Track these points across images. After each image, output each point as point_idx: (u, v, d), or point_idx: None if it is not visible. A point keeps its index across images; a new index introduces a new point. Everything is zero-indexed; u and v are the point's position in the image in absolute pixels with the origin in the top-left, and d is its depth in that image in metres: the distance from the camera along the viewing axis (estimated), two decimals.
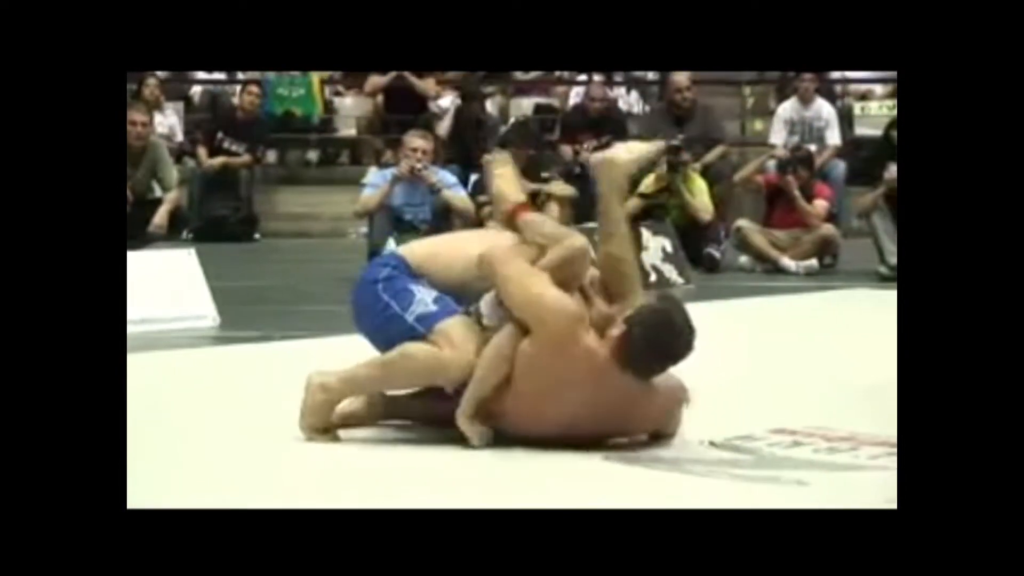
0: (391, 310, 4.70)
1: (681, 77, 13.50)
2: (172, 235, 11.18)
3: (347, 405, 4.83)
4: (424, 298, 4.69)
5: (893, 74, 15.07)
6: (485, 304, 4.65)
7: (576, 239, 4.70)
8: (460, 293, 4.75)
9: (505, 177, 5.04)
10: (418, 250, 4.95)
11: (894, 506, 3.96)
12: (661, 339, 4.47)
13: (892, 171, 11.12)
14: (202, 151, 14.33)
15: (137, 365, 6.56)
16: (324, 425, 4.74)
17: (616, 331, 4.47)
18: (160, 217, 10.84)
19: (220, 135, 14.37)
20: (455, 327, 4.63)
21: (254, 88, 14.84)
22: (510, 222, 4.86)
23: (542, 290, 4.53)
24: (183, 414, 5.26)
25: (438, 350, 4.59)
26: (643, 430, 4.68)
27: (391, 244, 9.10)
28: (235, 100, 15.13)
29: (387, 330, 4.72)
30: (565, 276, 4.60)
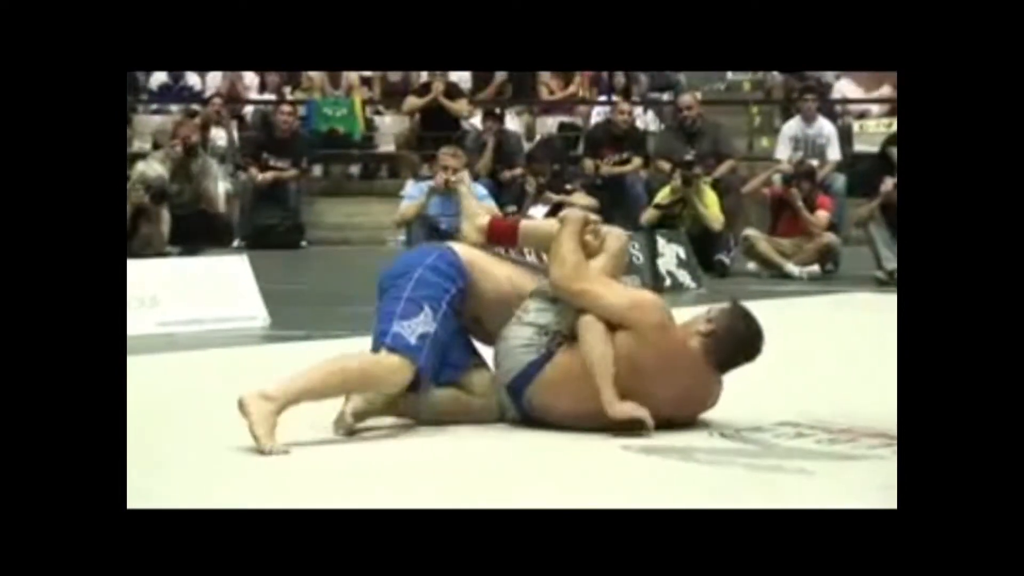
0: (397, 306, 4.58)
1: (687, 97, 13.79)
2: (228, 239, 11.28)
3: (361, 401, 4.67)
4: (418, 326, 4.52)
5: (889, 95, 15.09)
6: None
7: (618, 233, 4.82)
8: (488, 319, 4.70)
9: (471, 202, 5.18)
10: (478, 260, 4.77)
11: (889, 492, 3.97)
12: (747, 338, 4.66)
13: (888, 184, 11.12)
14: (253, 169, 14.38)
15: (192, 361, 6.61)
16: (272, 431, 4.37)
17: (704, 327, 4.60)
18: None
19: (265, 155, 14.43)
20: (404, 364, 4.49)
21: (286, 108, 14.91)
22: (506, 236, 4.87)
23: (623, 290, 4.67)
24: (230, 410, 5.26)
25: (379, 358, 4.49)
26: (699, 415, 4.77)
27: None
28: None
29: (381, 315, 4.63)
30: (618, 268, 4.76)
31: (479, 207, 5.09)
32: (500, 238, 4.86)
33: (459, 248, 4.82)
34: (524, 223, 4.92)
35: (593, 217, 4.84)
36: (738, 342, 4.64)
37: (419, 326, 4.54)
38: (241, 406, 4.40)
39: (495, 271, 4.78)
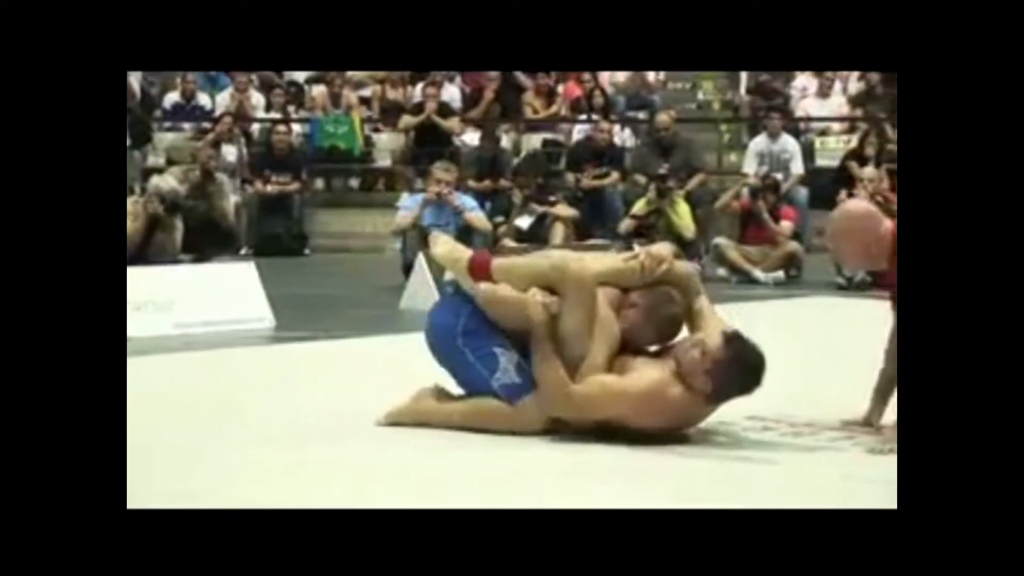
0: (476, 369, 4.54)
1: (662, 116, 13.82)
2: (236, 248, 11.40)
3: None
4: (508, 365, 4.52)
5: (848, 112, 15.17)
6: None
7: (554, 256, 4.60)
8: (523, 335, 4.53)
9: (445, 248, 4.76)
10: (491, 301, 4.58)
11: (850, 482, 3.98)
12: (747, 382, 4.39)
13: (842, 196, 11.22)
14: (258, 183, 14.42)
15: (204, 360, 6.61)
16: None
17: (702, 383, 4.33)
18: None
19: (267, 171, 14.46)
20: (534, 403, 4.49)
21: (281, 128, 14.94)
22: (478, 272, 4.59)
23: (620, 389, 4.38)
24: (239, 406, 5.26)
25: (513, 415, 4.48)
26: None
27: (421, 259, 9.07)
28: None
29: (470, 382, 4.59)
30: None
31: (454, 250, 4.79)
32: (479, 274, 4.64)
33: (476, 291, 4.61)
34: (496, 263, 4.65)
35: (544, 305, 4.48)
36: (739, 389, 4.40)
37: (508, 363, 4.52)
38: (413, 399, 4.73)
39: (498, 304, 4.58)
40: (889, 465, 3.99)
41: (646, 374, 4.40)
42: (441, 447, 4.44)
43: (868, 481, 3.96)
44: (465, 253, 4.73)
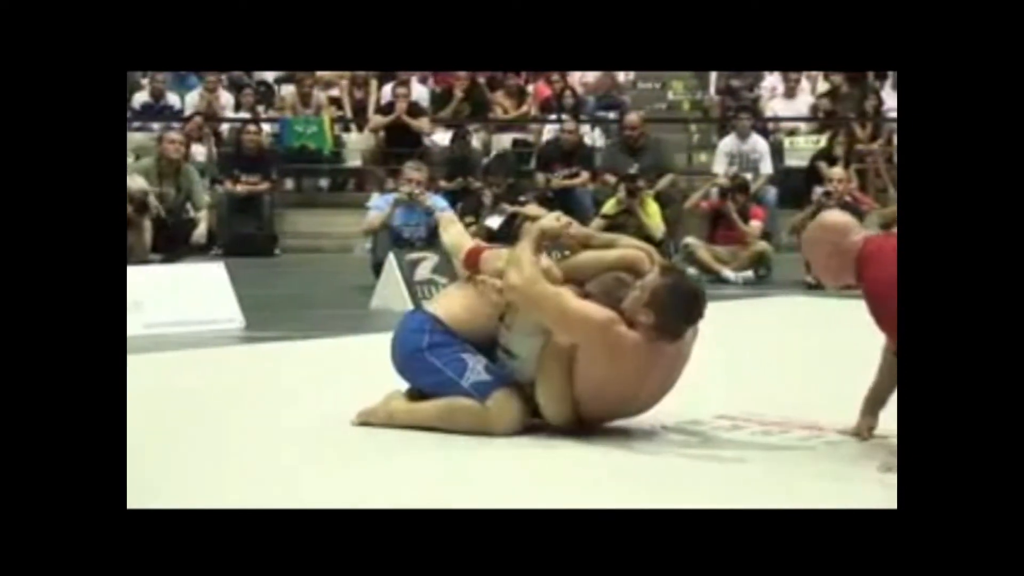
0: (446, 375, 4.60)
1: (633, 117, 13.85)
2: (206, 248, 11.36)
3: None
4: (476, 366, 4.59)
5: (816, 112, 15.22)
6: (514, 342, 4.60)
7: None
8: (487, 343, 4.66)
9: (449, 238, 5.09)
10: (451, 310, 4.76)
11: (820, 480, 4.00)
12: (689, 306, 4.44)
13: (816, 192, 11.23)
14: (228, 183, 14.39)
15: (174, 361, 6.58)
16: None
17: (644, 316, 4.37)
18: (201, 230, 11.05)
19: (237, 171, 14.44)
20: (505, 397, 4.55)
21: (252, 128, 14.92)
22: (470, 264, 4.83)
23: (567, 307, 4.43)
24: (210, 407, 5.24)
25: (485, 412, 4.52)
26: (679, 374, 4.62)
27: (391, 259, 9.07)
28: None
29: (441, 386, 4.63)
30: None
31: (458, 239, 5.09)
32: (470, 266, 4.88)
33: (439, 312, 4.76)
34: (485, 254, 4.86)
35: (553, 224, 4.72)
36: (681, 316, 4.43)
37: (477, 364, 4.60)
38: (383, 402, 4.77)
39: (460, 315, 4.73)
40: (873, 466, 4.02)
41: (602, 309, 4.43)
42: (428, 447, 4.45)
43: (846, 480, 3.97)
44: (466, 244, 5.04)
